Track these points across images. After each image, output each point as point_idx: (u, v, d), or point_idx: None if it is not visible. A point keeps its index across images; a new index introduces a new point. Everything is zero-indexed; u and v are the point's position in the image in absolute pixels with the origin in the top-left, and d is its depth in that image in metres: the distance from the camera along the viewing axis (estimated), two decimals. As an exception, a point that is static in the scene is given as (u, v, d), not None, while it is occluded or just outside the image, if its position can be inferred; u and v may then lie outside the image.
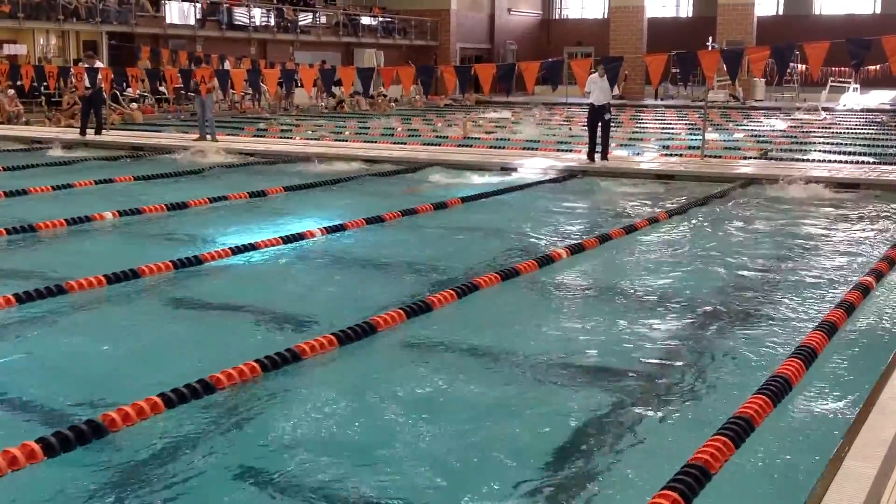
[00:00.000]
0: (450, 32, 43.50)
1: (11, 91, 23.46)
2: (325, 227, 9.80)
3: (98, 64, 19.97)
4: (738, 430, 4.45)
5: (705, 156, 16.18)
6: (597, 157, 15.47)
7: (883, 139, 21.31)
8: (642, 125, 26.29)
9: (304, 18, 37.43)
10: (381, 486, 4.15)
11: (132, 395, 4.86)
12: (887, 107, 32.22)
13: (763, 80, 35.05)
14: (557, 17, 51.05)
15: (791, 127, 25.32)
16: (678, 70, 18.32)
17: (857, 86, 34.64)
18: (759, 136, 22.46)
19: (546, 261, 8.37)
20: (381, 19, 41.44)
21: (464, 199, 12.05)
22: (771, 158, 17.21)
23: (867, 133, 23.16)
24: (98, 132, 19.41)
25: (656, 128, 25.42)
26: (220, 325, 6.77)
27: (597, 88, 15.29)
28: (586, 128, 16.27)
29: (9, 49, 26.86)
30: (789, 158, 17.05)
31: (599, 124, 15.37)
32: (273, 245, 9.01)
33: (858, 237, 9.97)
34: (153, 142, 18.78)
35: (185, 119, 25.60)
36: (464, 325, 6.66)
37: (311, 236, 9.49)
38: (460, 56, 43.74)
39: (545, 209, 11.90)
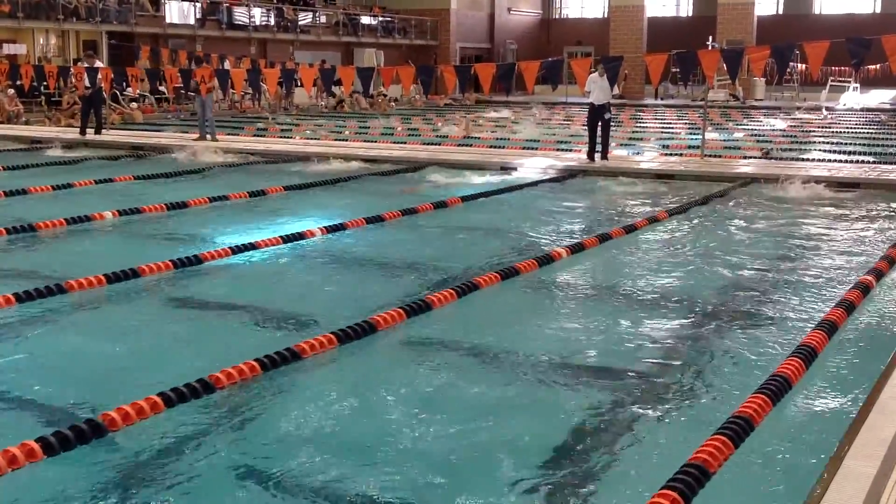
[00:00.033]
0: (450, 32, 43.50)
1: (11, 91, 23.46)
2: (325, 227, 9.80)
3: (98, 63, 19.98)
4: (738, 430, 4.45)
5: (705, 155, 16.19)
6: (597, 156, 15.47)
7: (883, 138, 21.31)
8: (642, 125, 26.29)
9: (304, 18, 37.43)
10: (381, 485, 4.15)
11: (132, 395, 4.87)
12: (887, 106, 32.22)
13: (763, 79, 35.08)
14: (557, 17, 51.05)
15: (791, 126, 25.33)
16: (678, 69, 18.30)
17: (857, 85, 34.66)
18: (759, 135, 22.46)
19: (546, 260, 8.37)
20: (380, 19, 41.44)
21: (464, 199, 12.06)
22: (772, 158, 17.21)
23: (867, 132, 23.16)
24: (98, 132, 19.41)
25: (656, 127, 25.41)
26: (220, 325, 6.77)
27: (597, 88, 15.29)
28: (586, 127, 16.27)
29: (8, 49, 26.86)
30: (789, 158, 17.05)
31: (599, 124, 15.38)
32: (273, 244, 9.01)
33: (858, 236, 9.96)
34: (153, 141, 18.78)
35: (185, 119, 25.60)
36: (463, 325, 6.66)
37: (311, 236, 9.49)
38: (460, 56, 43.74)
39: (545, 209, 11.90)
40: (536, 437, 4.70)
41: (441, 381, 5.48)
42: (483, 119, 27.84)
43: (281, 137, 21.16)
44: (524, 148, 18.71)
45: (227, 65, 26.35)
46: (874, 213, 11.47)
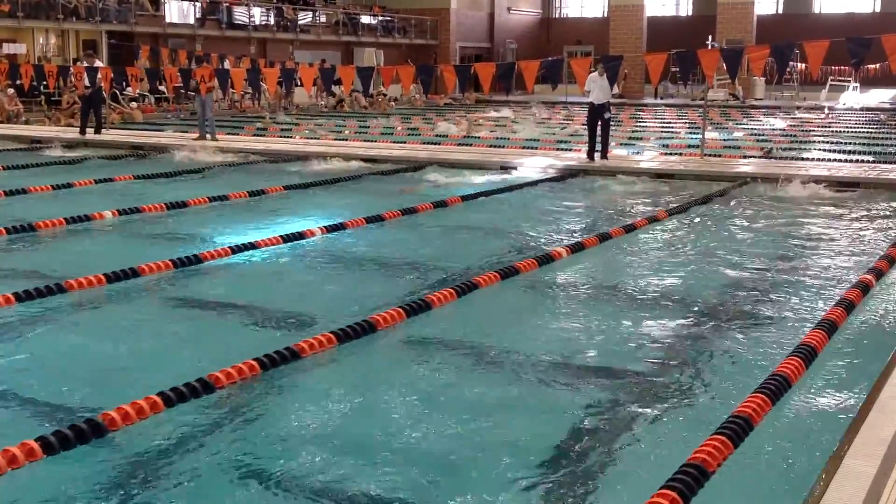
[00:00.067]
0: (449, 31, 43.48)
1: (11, 90, 23.46)
2: (324, 226, 9.80)
3: (98, 63, 19.97)
4: (737, 429, 4.45)
5: (705, 155, 16.19)
6: (597, 155, 15.46)
7: (883, 138, 21.31)
8: (642, 124, 26.28)
9: (304, 17, 37.41)
10: (381, 484, 4.15)
11: (132, 394, 4.87)
12: (887, 105, 32.21)
13: (763, 78, 35.06)
14: (557, 16, 51.05)
15: (791, 126, 25.32)
16: (678, 69, 18.27)
17: (857, 84, 34.65)
18: (759, 134, 22.46)
19: (546, 260, 8.37)
20: (380, 18, 41.42)
21: (464, 198, 12.06)
22: (773, 157, 17.21)
23: (867, 132, 23.15)
24: (98, 131, 19.41)
25: (656, 127, 25.41)
26: (220, 324, 6.77)
27: (596, 87, 15.28)
28: (586, 126, 16.27)
29: (8, 48, 26.85)
30: (789, 157, 17.05)
31: (599, 123, 15.38)
32: (273, 244, 9.01)
33: (858, 236, 9.97)
34: (153, 141, 18.77)
35: (185, 118, 25.59)
36: (463, 324, 6.66)
37: (311, 235, 9.49)
38: (460, 55, 43.72)
39: (545, 208, 11.90)
40: (536, 436, 4.70)
41: (441, 381, 5.48)
42: (483, 118, 27.83)
43: (281, 137, 21.16)
44: (524, 147, 18.71)
45: (226, 64, 26.33)
46: (874, 212, 11.47)
